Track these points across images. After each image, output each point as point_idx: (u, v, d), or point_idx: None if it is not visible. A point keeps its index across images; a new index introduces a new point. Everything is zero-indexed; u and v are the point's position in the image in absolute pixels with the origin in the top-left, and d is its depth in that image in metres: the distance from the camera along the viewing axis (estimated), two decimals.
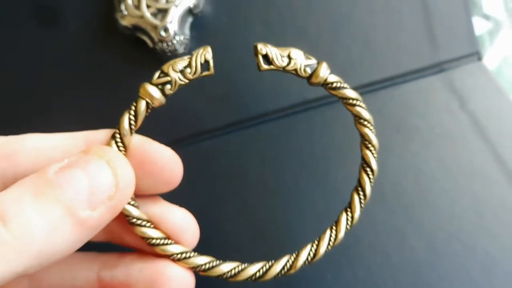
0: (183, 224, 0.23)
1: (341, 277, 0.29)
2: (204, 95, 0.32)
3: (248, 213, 0.31)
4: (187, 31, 0.32)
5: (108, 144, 0.22)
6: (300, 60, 0.22)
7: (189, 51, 0.32)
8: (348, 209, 0.24)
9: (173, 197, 0.31)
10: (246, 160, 0.32)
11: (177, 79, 0.22)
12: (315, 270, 0.29)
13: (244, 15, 0.33)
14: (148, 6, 0.31)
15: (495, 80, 0.33)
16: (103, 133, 0.22)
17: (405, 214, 0.30)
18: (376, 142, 0.24)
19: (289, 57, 0.22)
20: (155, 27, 0.31)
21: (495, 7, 0.36)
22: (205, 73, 0.22)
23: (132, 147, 0.22)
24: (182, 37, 0.32)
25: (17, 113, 0.33)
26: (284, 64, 0.22)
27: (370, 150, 0.24)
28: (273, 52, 0.22)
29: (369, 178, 0.24)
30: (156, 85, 0.22)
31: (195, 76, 0.22)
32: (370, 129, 0.24)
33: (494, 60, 0.35)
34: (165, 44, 0.31)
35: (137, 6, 0.31)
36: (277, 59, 0.22)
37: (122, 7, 0.31)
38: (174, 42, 0.31)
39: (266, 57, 0.22)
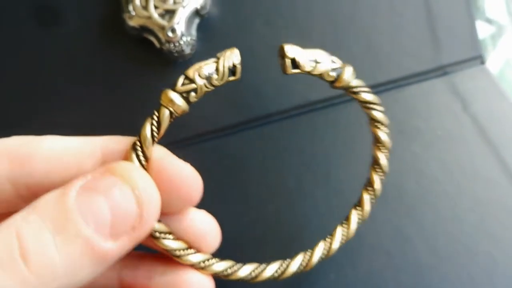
0: (204, 229, 0.22)
1: (343, 277, 0.29)
2: (207, 96, 0.32)
3: (250, 213, 0.31)
4: (193, 32, 0.33)
5: (128, 155, 0.20)
6: (326, 64, 0.21)
7: (195, 52, 0.33)
8: (358, 207, 0.25)
9: None
10: (249, 161, 0.32)
11: (203, 86, 0.20)
12: (319, 269, 0.29)
13: (249, 17, 0.33)
14: (155, 7, 0.32)
15: (497, 84, 0.33)
16: (122, 142, 0.21)
17: (407, 215, 0.30)
18: (389, 144, 0.24)
19: (315, 61, 0.21)
20: (162, 28, 0.31)
21: (498, 11, 0.36)
22: (231, 78, 0.21)
23: (153, 160, 0.21)
24: (189, 38, 0.32)
25: (23, 113, 0.33)
26: (311, 68, 0.21)
27: (382, 152, 0.24)
28: (301, 55, 0.21)
29: (380, 177, 0.24)
30: (180, 92, 0.20)
31: (222, 82, 0.21)
32: (384, 131, 0.24)
33: (497, 64, 0.35)
34: (172, 45, 0.31)
35: (145, 7, 0.32)
36: (305, 63, 0.21)
37: (130, 7, 0.32)
38: (181, 42, 0.31)
39: (293, 61, 0.21)
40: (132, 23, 0.32)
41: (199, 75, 0.20)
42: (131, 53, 0.33)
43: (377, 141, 0.24)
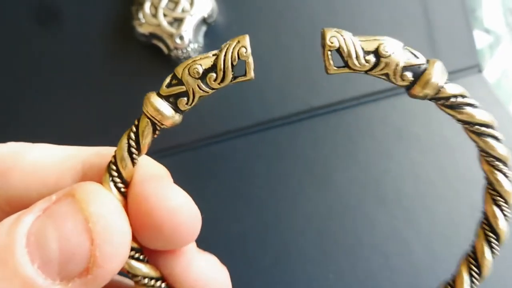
0: (207, 277, 0.18)
1: (342, 276, 0.30)
2: (212, 100, 0.33)
3: (253, 214, 0.31)
4: (201, 39, 0.34)
5: (103, 177, 0.16)
6: (396, 57, 0.14)
7: None
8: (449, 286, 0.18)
9: None
10: (252, 164, 0.32)
11: (197, 88, 0.15)
12: (318, 269, 0.30)
13: (253, 26, 0.34)
14: (164, 15, 0.33)
15: (494, 92, 0.33)
16: (106, 156, 0.17)
17: (405, 218, 0.31)
18: (511, 196, 0.15)
19: (377, 54, 0.14)
20: (171, 35, 0.32)
21: (496, 22, 0.37)
22: (241, 78, 0.15)
23: (134, 182, 0.16)
24: (196, 45, 0.33)
25: (33, 119, 0.34)
26: (369, 65, 0.14)
27: (502, 208, 0.15)
28: (353, 45, 0.14)
29: (492, 249, 0.16)
30: (167, 97, 0.15)
31: (224, 83, 0.15)
32: (505, 174, 0.15)
33: (494, 73, 0.36)
34: (179, 51, 0.32)
35: (155, 15, 0.33)
36: (357, 58, 0.14)
37: (140, 15, 0.33)
38: (189, 49, 0.32)
39: (339, 53, 0.14)
40: (142, 30, 0.33)
41: (190, 74, 0.14)
42: (140, 58, 0.34)
43: (493, 189, 0.15)
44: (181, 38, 0.32)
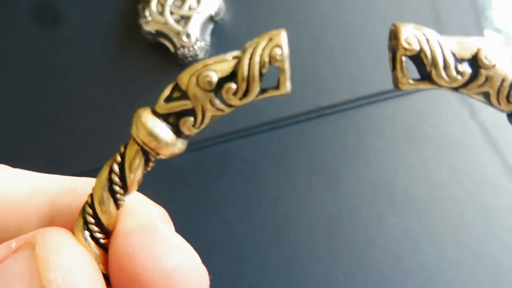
0: None
1: (353, 279, 0.29)
2: None
3: (261, 215, 0.31)
4: (207, 37, 0.34)
5: (77, 224, 0.12)
6: (504, 68, 0.10)
7: (209, 57, 0.33)
8: None
9: (187, 198, 0.32)
10: (260, 164, 0.32)
11: (208, 105, 0.11)
12: (329, 271, 0.29)
13: (262, 24, 0.34)
14: (171, 13, 0.32)
15: None
16: (81, 195, 0.13)
17: (416, 219, 0.31)
18: None
19: (475, 63, 0.10)
20: (177, 33, 0.32)
21: (507, 21, 0.37)
22: (273, 92, 0.11)
23: (118, 232, 0.12)
24: (203, 43, 0.33)
25: (36, 120, 0.34)
26: (462, 79, 0.10)
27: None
28: (440, 49, 0.10)
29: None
30: (165, 115, 0.11)
31: (248, 99, 0.11)
32: None
33: None
34: (186, 50, 0.32)
35: (161, 13, 0.33)
36: (446, 69, 0.10)
37: (146, 13, 0.33)
38: (195, 47, 0.32)
39: (418, 61, 0.10)
40: (148, 28, 0.33)
41: (198, 84, 0.11)
42: (146, 57, 0.34)
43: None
44: (188, 36, 0.32)
